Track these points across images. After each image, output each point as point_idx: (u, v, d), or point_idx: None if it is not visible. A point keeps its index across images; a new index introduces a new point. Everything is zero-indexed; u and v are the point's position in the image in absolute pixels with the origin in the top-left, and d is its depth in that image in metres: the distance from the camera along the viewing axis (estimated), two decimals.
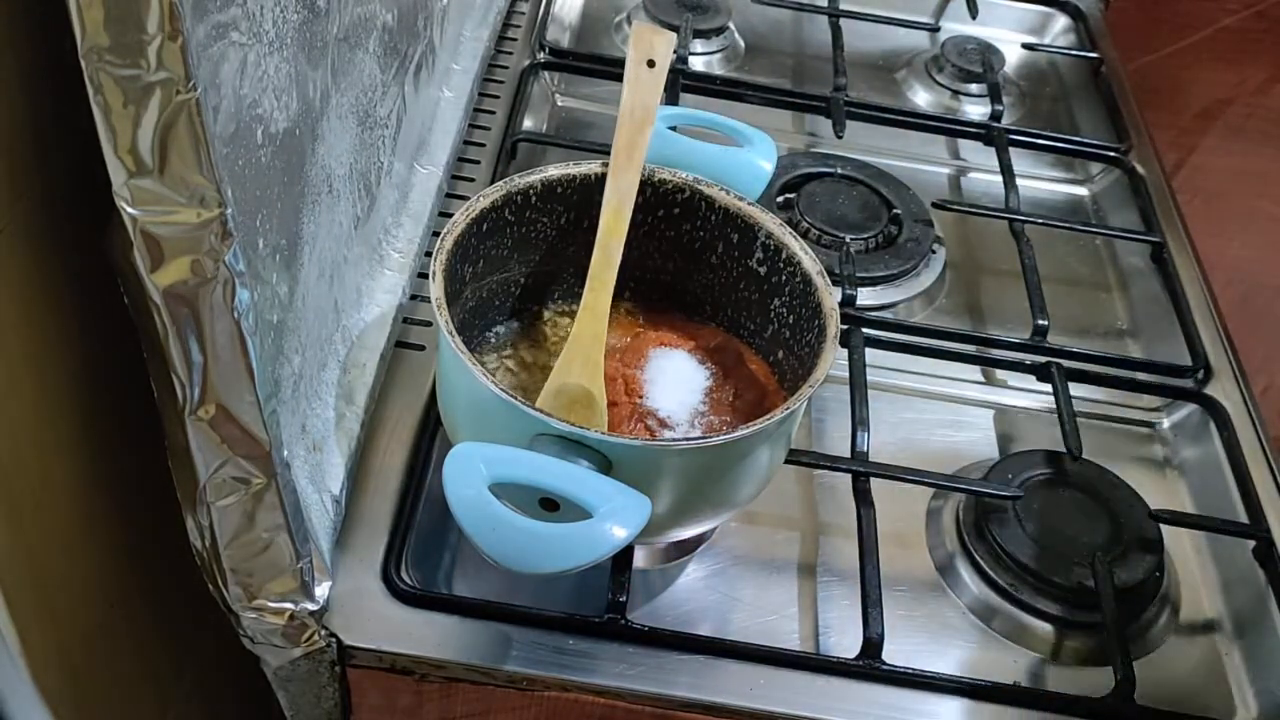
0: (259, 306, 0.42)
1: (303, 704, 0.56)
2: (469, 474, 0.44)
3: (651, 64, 0.61)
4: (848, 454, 0.62)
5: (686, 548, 0.60)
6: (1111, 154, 0.90)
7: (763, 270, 0.60)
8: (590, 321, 0.56)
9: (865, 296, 0.74)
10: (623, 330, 0.62)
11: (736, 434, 0.49)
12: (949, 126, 0.92)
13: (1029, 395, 0.72)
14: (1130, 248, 0.84)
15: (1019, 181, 0.84)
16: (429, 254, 0.56)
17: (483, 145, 0.80)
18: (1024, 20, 1.07)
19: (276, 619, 0.51)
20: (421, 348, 0.66)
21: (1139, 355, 0.76)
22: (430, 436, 0.61)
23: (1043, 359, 0.71)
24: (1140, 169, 0.89)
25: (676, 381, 0.59)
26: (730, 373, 0.60)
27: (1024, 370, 0.71)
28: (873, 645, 0.55)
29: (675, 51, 0.80)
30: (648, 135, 0.60)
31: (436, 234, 0.56)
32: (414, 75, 0.65)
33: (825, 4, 1.01)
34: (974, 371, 0.73)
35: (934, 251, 0.79)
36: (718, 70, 0.96)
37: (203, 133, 0.35)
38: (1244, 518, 0.64)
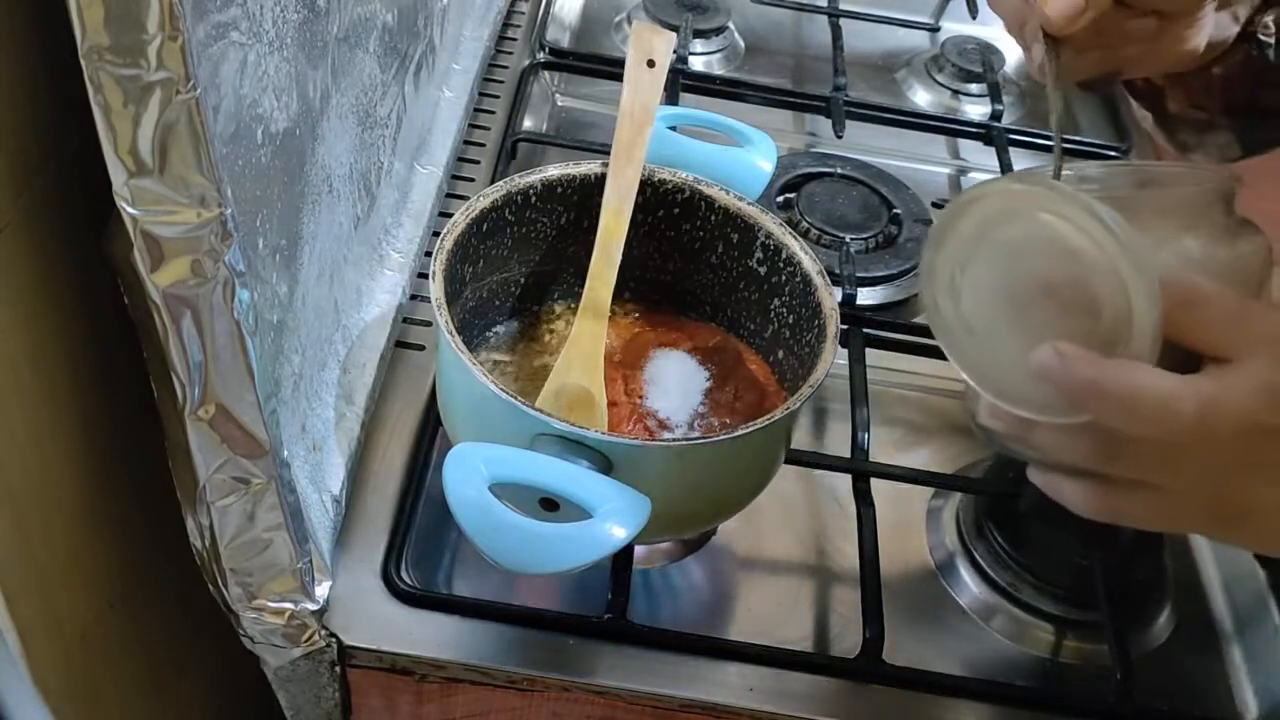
0: (259, 306, 0.42)
1: (303, 704, 0.56)
2: (469, 474, 0.44)
3: (651, 64, 0.61)
4: (848, 454, 0.62)
5: (687, 548, 0.60)
6: (1112, 154, 0.90)
7: (763, 270, 0.60)
8: (590, 321, 0.56)
9: (865, 296, 0.74)
10: (623, 330, 0.62)
11: (736, 434, 0.49)
12: (949, 126, 0.92)
13: None
14: None
15: None
16: (429, 254, 0.56)
17: (483, 145, 0.80)
18: None
19: (276, 619, 0.51)
20: (421, 348, 0.66)
21: None
22: (430, 436, 0.61)
23: None
24: None
25: (676, 382, 0.59)
26: (730, 373, 0.60)
27: None
28: (873, 645, 0.55)
29: (675, 51, 0.81)
30: (648, 135, 0.60)
31: (436, 234, 0.56)
32: (414, 75, 0.65)
33: (825, 4, 1.01)
34: None
35: None
36: (718, 70, 0.96)
37: (203, 133, 0.35)
38: None
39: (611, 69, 0.87)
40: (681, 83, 0.86)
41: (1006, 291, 0.44)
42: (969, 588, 0.61)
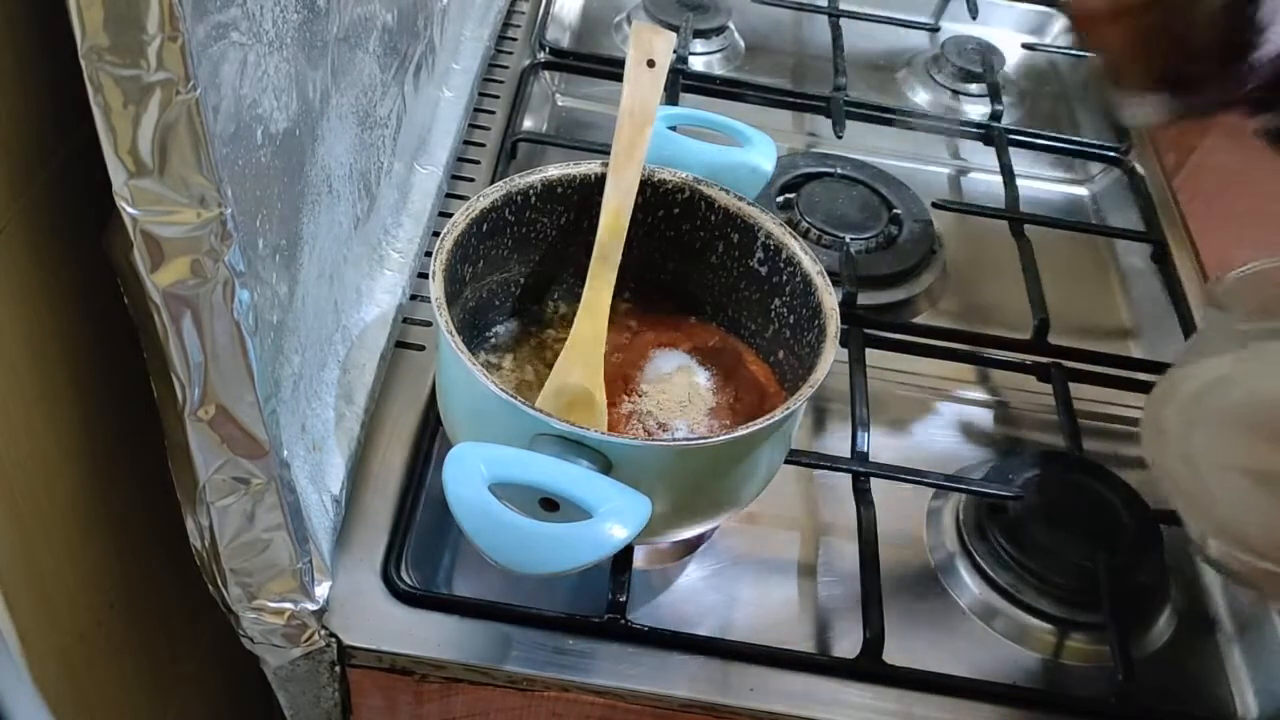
0: (259, 306, 0.42)
1: (303, 704, 0.56)
2: (469, 474, 0.44)
3: (651, 64, 0.61)
4: (848, 454, 0.62)
5: (686, 548, 0.60)
6: (1111, 154, 0.90)
7: (763, 270, 0.60)
8: (590, 321, 0.56)
9: (865, 296, 0.74)
10: (623, 330, 0.62)
11: (736, 434, 0.49)
12: (949, 126, 0.92)
13: (1029, 395, 0.72)
14: (1130, 248, 0.84)
15: (1019, 181, 0.84)
16: (429, 254, 0.56)
17: (483, 145, 0.80)
18: (1024, 20, 1.07)
19: (276, 619, 0.51)
20: (421, 348, 0.66)
21: (1140, 355, 0.76)
22: (430, 436, 0.61)
23: (1043, 359, 0.71)
24: (1140, 169, 0.89)
25: (676, 382, 0.59)
26: (730, 373, 0.60)
27: (1024, 370, 0.71)
28: (873, 645, 0.55)
29: (675, 51, 0.81)
30: (648, 135, 0.59)
31: (436, 234, 0.56)
32: (414, 75, 0.65)
33: (825, 4, 1.01)
34: (974, 371, 0.73)
35: (934, 251, 0.79)
36: (718, 70, 0.96)
37: (203, 133, 0.35)
38: None
39: (611, 69, 0.87)
40: (681, 83, 0.86)
41: (1246, 453, 0.45)
42: (969, 588, 0.61)
